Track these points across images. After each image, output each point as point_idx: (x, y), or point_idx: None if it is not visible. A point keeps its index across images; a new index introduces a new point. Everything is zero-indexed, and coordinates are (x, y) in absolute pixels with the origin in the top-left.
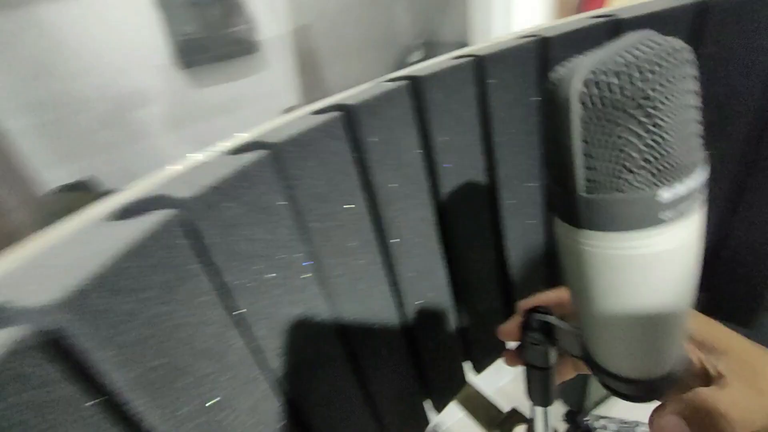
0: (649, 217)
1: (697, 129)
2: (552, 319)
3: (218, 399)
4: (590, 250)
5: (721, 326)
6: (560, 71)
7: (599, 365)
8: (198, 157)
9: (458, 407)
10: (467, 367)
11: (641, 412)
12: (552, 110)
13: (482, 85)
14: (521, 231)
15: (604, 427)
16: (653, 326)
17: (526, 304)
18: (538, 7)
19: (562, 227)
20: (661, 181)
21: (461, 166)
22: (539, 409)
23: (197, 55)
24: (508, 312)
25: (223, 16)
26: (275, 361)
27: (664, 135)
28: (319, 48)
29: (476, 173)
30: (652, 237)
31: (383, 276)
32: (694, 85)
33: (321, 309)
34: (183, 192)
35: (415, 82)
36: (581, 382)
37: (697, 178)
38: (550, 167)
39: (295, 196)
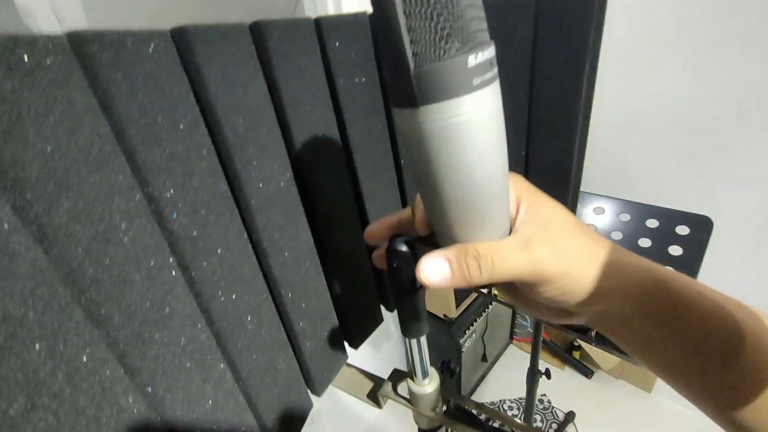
0: (464, 83)
1: (482, 14)
2: (412, 239)
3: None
4: (427, 127)
5: (529, 188)
6: None
7: None
8: None
9: (338, 390)
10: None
11: (506, 393)
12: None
13: (324, 46)
14: (379, 194)
15: (479, 415)
16: (488, 192)
17: (372, 229)
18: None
19: (403, 116)
20: (467, 50)
21: (313, 121)
22: (414, 342)
23: None
24: (378, 278)
25: None
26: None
27: (461, 10)
28: None
29: (330, 131)
30: (469, 102)
31: (239, 231)
32: None
33: (158, 259)
34: None
35: (255, 26)
36: (454, 345)
37: (491, 52)
38: (386, 60)
39: (112, 108)
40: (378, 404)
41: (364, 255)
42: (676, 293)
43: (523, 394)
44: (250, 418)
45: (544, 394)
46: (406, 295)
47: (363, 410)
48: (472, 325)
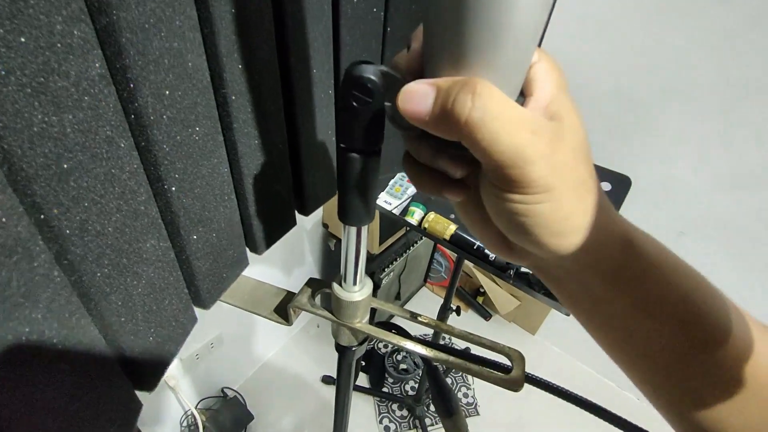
0: None
1: None
2: (385, 67)
3: None
4: None
5: (563, 83)
6: None
7: None
8: None
9: (238, 307)
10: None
11: (415, 329)
12: None
13: None
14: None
15: (386, 346)
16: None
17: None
18: None
19: None
20: None
21: None
22: (352, 232)
23: None
24: (296, 167)
25: None
26: None
27: None
28: None
29: None
30: None
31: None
32: None
33: None
34: None
35: None
36: (372, 281)
37: None
38: None
39: None
40: (287, 320)
41: (280, 123)
42: (641, 254)
43: (428, 331)
44: (91, 330)
45: None
46: (357, 157)
47: (270, 335)
48: (392, 263)
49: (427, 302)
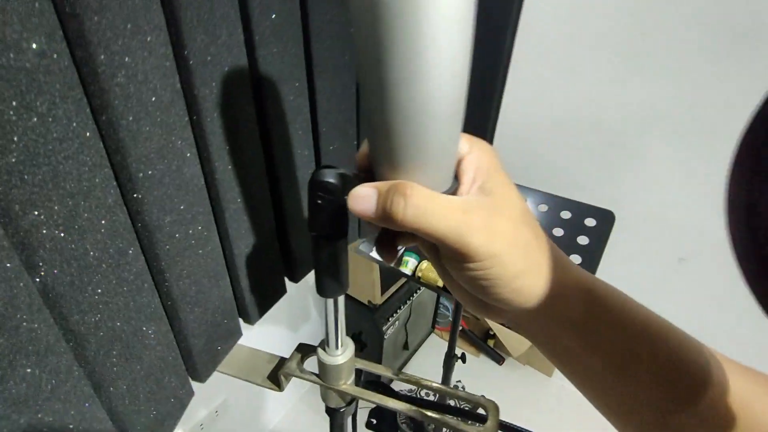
0: None
1: None
2: (342, 169)
3: None
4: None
5: (496, 163)
6: None
7: None
8: None
9: (234, 377)
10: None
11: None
12: None
13: None
14: (288, 128)
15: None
16: (442, 108)
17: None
18: None
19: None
20: None
21: None
22: (330, 304)
23: None
24: (282, 240)
25: None
26: None
27: None
28: None
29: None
30: None
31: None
32: None
33: None
34: None
35: None
36: (377, 332)
37: None
38: None
39: None
40: (279, 386)
41: (267, 205)
42: (601, 304)
43: (440, 380)
44: (101, 414)
45: (459, 380)
46: (327, 242)
47: (278, 396)
48: (396, 312)
49: (437, 350)
